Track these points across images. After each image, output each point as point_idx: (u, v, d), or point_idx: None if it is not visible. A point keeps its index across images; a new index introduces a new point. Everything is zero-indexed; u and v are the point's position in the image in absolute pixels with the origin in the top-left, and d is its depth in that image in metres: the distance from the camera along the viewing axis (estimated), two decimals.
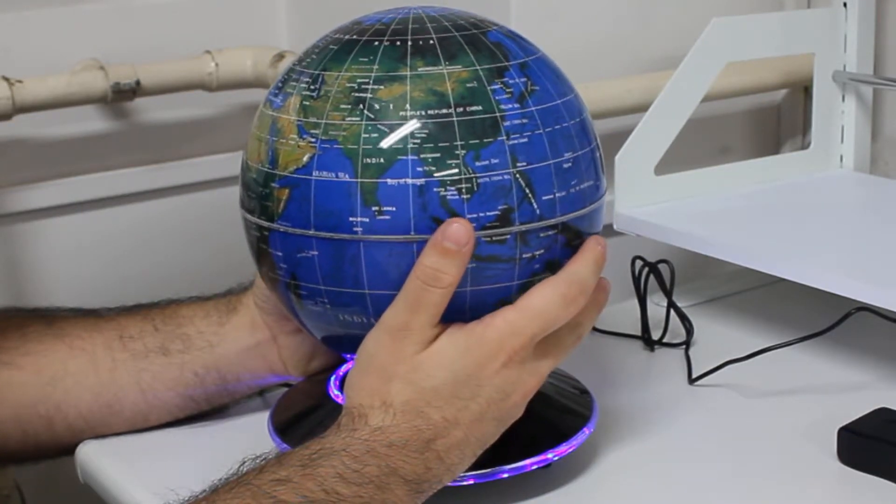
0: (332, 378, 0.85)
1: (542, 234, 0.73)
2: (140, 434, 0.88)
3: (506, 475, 0.77)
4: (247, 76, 1.20)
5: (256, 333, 0.87)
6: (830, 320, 0.93)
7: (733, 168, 1.10)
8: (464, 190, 0.71)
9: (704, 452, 0.84)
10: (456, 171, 0.71)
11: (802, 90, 1.25)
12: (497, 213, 0.72)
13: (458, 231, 0.71)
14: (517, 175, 0.72)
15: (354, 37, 0.75)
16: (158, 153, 1.26)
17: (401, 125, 0.72)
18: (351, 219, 0.72)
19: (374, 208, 0.71)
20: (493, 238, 0.72)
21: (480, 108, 0.72)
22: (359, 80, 0.73)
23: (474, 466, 0.75)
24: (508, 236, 0.72)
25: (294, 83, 0.75)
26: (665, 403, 0.90)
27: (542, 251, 0.74)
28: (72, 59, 1.18)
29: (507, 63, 0.75)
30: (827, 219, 1.04)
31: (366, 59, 0.73)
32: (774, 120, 1.28)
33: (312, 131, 0.73)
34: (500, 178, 0.72)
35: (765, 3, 1.22)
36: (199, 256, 1.27)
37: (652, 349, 1.00)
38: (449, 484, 0.74)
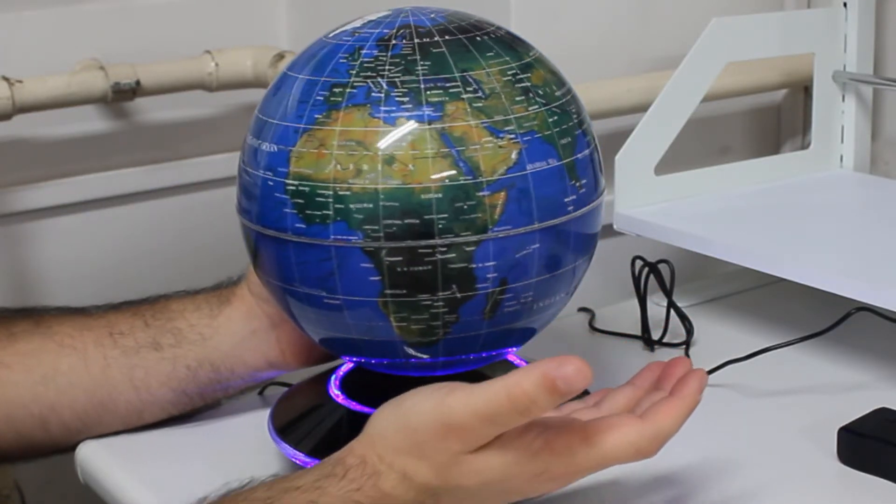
0: (333, 378, 0.85)
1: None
2: (140, 434, 0.88)
3: None
4: (247, 76, 1.20)
5: (253, 322, 0.86)
6: (830, 320, 0.93)
7: (733, 168, 1.10)
8: (597, 154, 0.79)
9: (705, 452, 0.84)
10: (592, 137, 0.79)
11: (802, 90, 1.25)
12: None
13: (575, 376, 0.63)
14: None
15: (435, 39, 0.74)
16: (158, 153, 1.26)
17: (563, 104, 0.76)
18: (565, 199, 0.74)
19: (576, 184, 0.75)
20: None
21: (568, 85, 0.79)
22: (509, 73, 0.74)
23: None
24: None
25: (434, 91, 0.72)
26: None
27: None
28: (72, 59, 1.18)
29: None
30: (827, 219, 1.04)
31: (491, 53, 0.75)
32: (774, 120, 1.28)
33: (508, 128, 0.72)
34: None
35: (765, 3, 1.22)
36: (198, 256, 1.27)
37: (652, 349, 1.00)
38: None
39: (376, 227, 0.71)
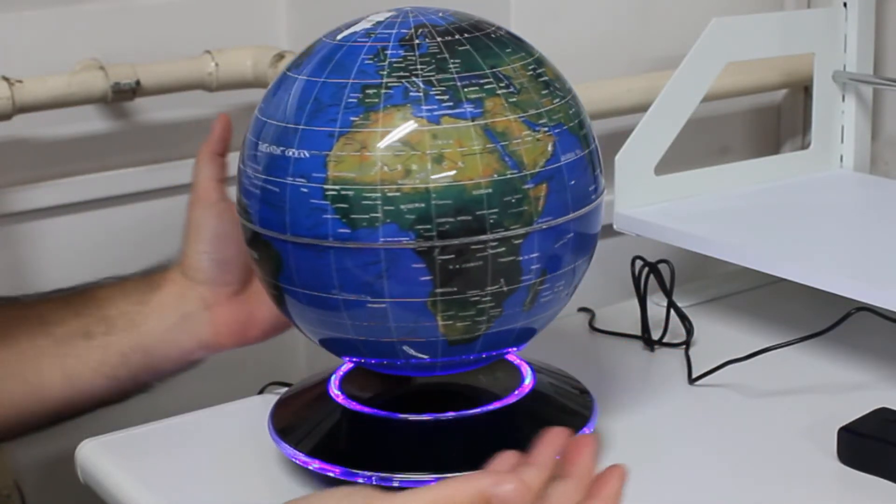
0: (333, 378, 0.85)
1: None
2: (140, 434, 0.88)
3: None
4: (247, 76, 1.20)
5: (185, 305, 0.86)
6: (830, 320, 0.93)
7: (733, 168, 1.10)
8: (598, 151, 0.80)
9: (704, 452, 0.84)
10: (593, 134, 0.80)
11: (802, 90, 1.25)
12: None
13: (513, 497, 0.58)
14: None
15: (456, 37, 0.75)
16: (158, 153, 1.26)
17: (573, 98, 0.78)
18: (590, 188, 0.77)
19: (597, 172, 0.78)
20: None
21: (567, 81, 0.80)
22: (529, 68, 0.76)
23: (475, 466, 0.75)
24: None
25: (471, 88, 0.72)
26: (665, 403, 0.90)
27: None
28: (72, 59, 1.18)
29: None
30: (827, 219, 1.04)
31: (509, 50, 0.76)
32: (774, 120, 1.28)
33: (541, 121, 0.74)
34: None
35: (765, 3, 1.22)
36: None
37: (652, 349, 1.00)
38: None
39: (429, 227, 0.71)
